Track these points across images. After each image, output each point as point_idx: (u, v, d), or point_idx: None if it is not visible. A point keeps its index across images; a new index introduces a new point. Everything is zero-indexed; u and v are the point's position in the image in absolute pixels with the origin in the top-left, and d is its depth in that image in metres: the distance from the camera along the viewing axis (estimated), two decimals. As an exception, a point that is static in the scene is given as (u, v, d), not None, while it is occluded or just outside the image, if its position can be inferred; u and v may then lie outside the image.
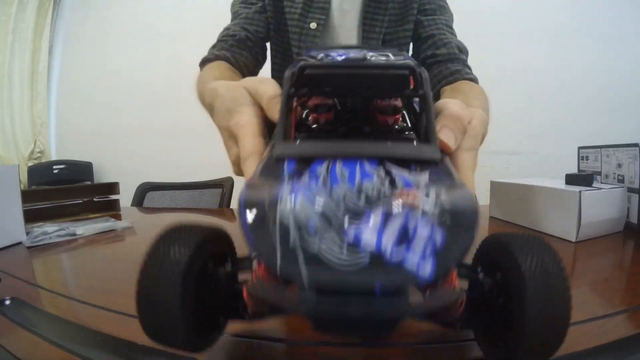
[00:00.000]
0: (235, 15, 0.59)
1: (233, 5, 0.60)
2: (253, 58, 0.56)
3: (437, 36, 0.55)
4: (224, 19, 0.61)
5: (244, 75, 0.52)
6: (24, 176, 1.89)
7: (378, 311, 0.12)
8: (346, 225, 0.13)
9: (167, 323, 0.14)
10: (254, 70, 0.57)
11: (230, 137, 0.25)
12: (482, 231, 0.48)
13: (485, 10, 1.66)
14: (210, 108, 0.32)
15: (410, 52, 0.60)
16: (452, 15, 0.59)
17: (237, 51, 0.53)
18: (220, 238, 0.18)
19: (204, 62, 0.51)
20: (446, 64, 0.52)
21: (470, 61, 0.55)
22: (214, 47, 0.55)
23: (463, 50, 0.54)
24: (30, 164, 2.00)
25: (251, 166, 0.21)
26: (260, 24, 0.57)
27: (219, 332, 0.18)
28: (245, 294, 0.16)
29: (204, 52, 0.54)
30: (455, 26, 0.59)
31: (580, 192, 0.38)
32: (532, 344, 0.14)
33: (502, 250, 0.15)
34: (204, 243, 0.16)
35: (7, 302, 0.26)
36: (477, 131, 0.22)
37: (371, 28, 0.57)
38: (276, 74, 0.63)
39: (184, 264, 0.14)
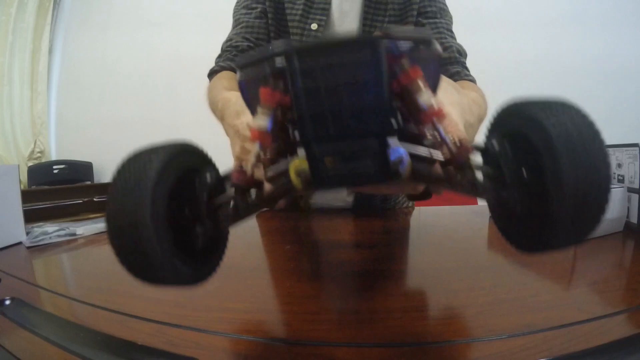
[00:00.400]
0: (237, 22, 0.60)
1: (235, 12, 0.61)
2: None
3: (439, 40, 0.55)
4: (224, 19, 0.62)
5: None
6: (24, 176, 1.89)
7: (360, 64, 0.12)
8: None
9: (144, 245, 0.13)
10: None
11: (236, 134, 0.27)
12: (482, 231, 0.48)
13: (482, 8, 1.66)
14: (221, 115, 0.35)
15: None
16: (451, 17, 0.60)
17: None
18: (195, 152, 0.17)
19: (211, 74, 0.55)
20: (446, 66, 0.54)
21: (470, 60, 0.56)
22: (219, 57, 0.58)
23: (462, 54, 0.56)
24: (30, 164, 2.00)
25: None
26: (261, 30, 0.59)
27: (210, 263, 0.17)
28: (234, 175, 0.15)
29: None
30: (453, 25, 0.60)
31: (580, 192, 0.38)
32: (568, 215, 0.12)
33: (520, 112, 0.14)
34: (176, 156, 0.14)
35: (7, 302, 0.26)
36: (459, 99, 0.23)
37: (371, 29, 0.57)
38: None
39: (155, 174, 0.13)
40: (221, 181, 0.17)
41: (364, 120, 0.12)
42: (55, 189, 0.67)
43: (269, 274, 0.34)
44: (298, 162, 0.13)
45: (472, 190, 0.14)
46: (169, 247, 0.14)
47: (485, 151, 0.15)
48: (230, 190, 0.16)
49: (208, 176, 0.16)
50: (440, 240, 0.44)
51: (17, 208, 0.47)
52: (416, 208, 0.66)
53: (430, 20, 0.58)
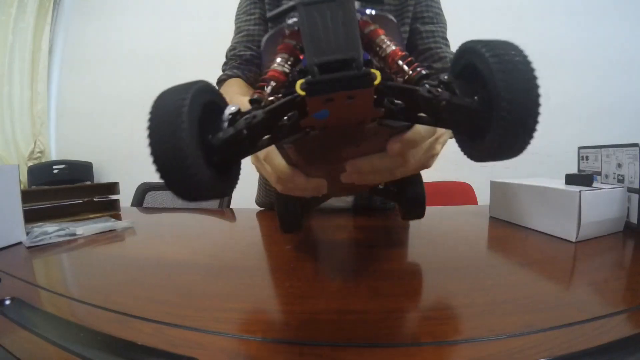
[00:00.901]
0: (238, 30, 0.62)
1: (236, 18, 0.64)
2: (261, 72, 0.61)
3: (434, 50, 0.58)
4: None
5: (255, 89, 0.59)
6: (24, 176, 1.89)
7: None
8: None
9: (185, 168, 0.16)
10: None
11: None
12: (482, 231, 0.48)
13: (480, 9, 1.66)
14: None
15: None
16: (446, 22, 0.62)
17: (245, 68, 0.60)
18: (217, 91, 0.20)
19: (219, 82, 0.58)
20: (438, 74, 0.55)
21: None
22: (225, 65, 0.61)
23: None
24: (30, 164, 2.00)
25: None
26: (261, 38, 0.60)
27: (232, 180, 0.20)
28: (253, 93, 0.19)
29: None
30: (451, 29, 0.62)
31: (580, 192, 0.38)
32: (505, 125, 0.16)
33: (468, 52, 0.18)
34: (203, 90, 0.18)
35: (7, 302, 0.26)
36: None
37: None
38: None
39: (189, 102, 0.16)
40: (239, 114, 0.19)
41: (347, 49, 0.17)
42: (55, 189, 0.67)
43: (269, 274, 0.34)
44: (302, 80, 0.17)
45: (430, 98, 0.18)
46: (203, 161, 0.16)
47: (441, 82, 0.19)
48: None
49: (229, 108, 0.19)
50: (440, 240, 0.44)
51: (17, 208, 0.47)
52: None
53: (427, 27, 0.59)
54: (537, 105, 0.16)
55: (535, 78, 0.16)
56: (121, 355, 0.20)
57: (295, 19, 0.19)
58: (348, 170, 0.27)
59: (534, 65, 0.16)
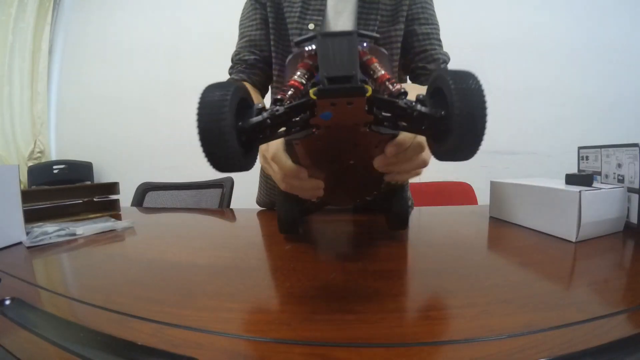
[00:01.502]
0: (242, 35, 0.66)
1: (240, 24, 0.67)
2: (264, 74, 0.66)
3: (430, 51, 0.62)
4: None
5: (261, 92, 0.66)
6: (24, 176, 1.89)
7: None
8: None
9: (224, 141, 0.21)
10: (267, 85, 0.69)
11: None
12: (482, 231, 0.48)
13: (480, 9, 1.66)
14: None
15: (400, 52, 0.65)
16: (438, 23, 0.65)
17: (251, 72, 0.65)
18: (248, 90, 0.24)
19: None
20: (432, 74, 0.58)
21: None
22: (232, 68, 0.66)
23: (447, 62, 0.63)
24: (30, 164, 2.00)
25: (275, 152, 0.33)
26: (263, 43, 0.64)
27: (252, 159, 0.25)
28: (278, 93, 0.24)
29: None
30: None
31: (580, 192, 0.38)
32: (460, 132, 0.21)
33: (438, 78, 0.23)
34: (239, 89, 0.23)
35: (7, 302, 0.26)
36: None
37: (365, 28, 0.60)
38: (277, 73, 0.64)
39: (230, 95, 0.21)
40: (264, 109, 0.24)
41: (349, 68, 0.22)
42: (55, 189, 0.67)
43: (269, 274, 0.34)
44: (314, 88, 0.22)
45: (405, 108, 0.23)
46: (236, 140, 0.21)
47: (417, 99, 0.24)
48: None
49: (257, 105, 0.24)
50: (440, 240, 0.44)
51: (17, 208, 0.47)
52: (416, 208, 0.66)
53: (423, 29, 0.62)
54: (484, 121, 0.21)
55: (484, 101, 0.21)
56: (121, 355, 0.20)
57: (314, 46, 0.25)
58: (387, 151, 0.31)
59: (486, 91, 0.21)
